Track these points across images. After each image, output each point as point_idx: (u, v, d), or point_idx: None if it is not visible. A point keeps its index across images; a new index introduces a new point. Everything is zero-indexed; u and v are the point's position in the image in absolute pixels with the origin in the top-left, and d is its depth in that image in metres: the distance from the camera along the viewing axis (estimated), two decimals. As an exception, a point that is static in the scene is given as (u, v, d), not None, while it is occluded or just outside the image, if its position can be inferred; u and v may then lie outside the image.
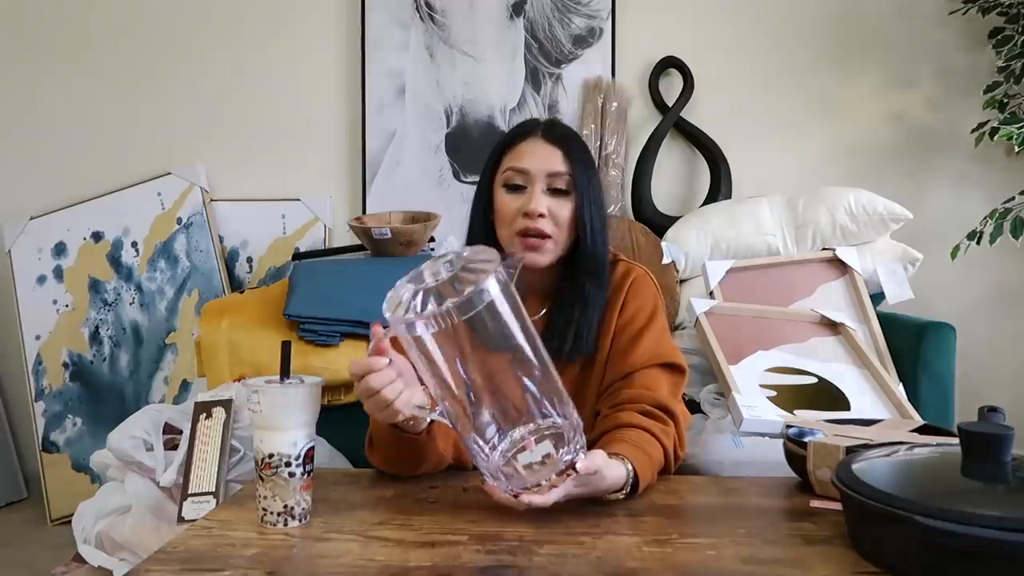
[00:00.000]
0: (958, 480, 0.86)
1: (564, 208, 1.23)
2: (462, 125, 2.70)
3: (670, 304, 2.26)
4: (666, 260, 2.30)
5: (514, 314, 0.92)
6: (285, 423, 0.92)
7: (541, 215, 1.22)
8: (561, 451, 0.93)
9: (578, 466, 0.93)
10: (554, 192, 1.23)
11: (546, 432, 0.93)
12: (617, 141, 2.62)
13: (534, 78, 2.69)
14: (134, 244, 2.74)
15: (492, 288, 0.90)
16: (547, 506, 0.94)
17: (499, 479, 0.94)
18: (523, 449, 0.92)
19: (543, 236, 1.22)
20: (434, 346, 0.90)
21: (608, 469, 0.99)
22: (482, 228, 1.29)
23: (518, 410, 0.92)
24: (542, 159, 1.24)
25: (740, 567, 0.82)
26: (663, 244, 2.33)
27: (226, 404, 1.71)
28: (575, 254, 1.26)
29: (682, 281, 2.35)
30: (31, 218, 2.79)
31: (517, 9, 2.69)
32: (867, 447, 1.01)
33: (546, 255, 1.24)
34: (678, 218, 2.45)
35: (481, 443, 0.93)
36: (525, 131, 1.28)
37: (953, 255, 2.29)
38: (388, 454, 1.14)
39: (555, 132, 1.27)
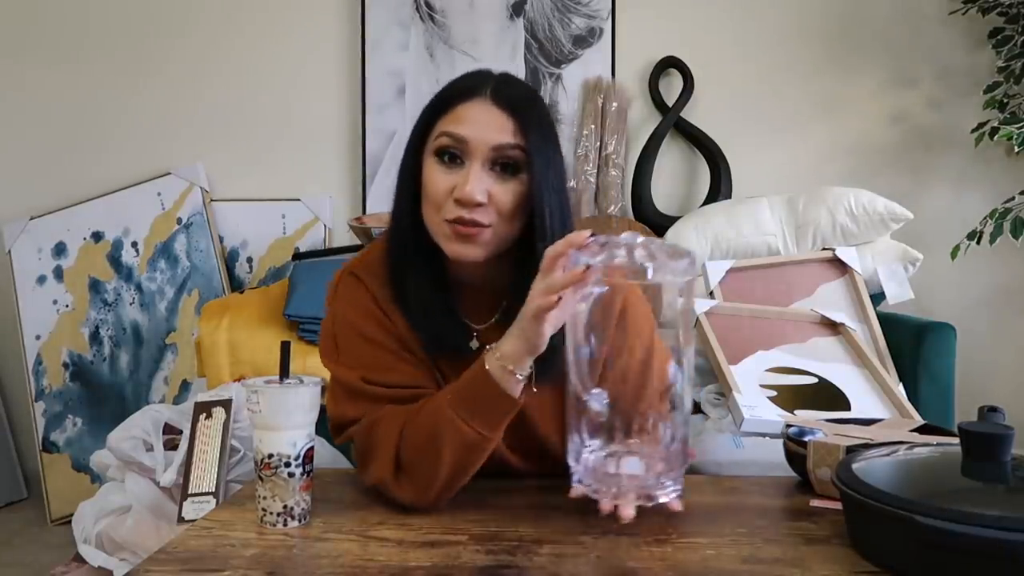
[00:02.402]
0: (958, 480, 0.86)
1: (509, 192, 0.97)
2: (462, 125, 2.70)
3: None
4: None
5: (684, 315, 0.87)
6: (284, 423, 0.92)
7: (479, 204, 0.95)
8: (651, 477, 0.90)
9: (676, 505, 0.90)
10: (501, 168, 0.97)
11: (652, 454, 0.90)
12: (617, 141, 2.62)
13: (534, 78, 2.69)
14: (134, 244, 2.75)
15: (686, 276, 0.86)
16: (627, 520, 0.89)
17: (585, 473, 0.90)
18: (619, 457, 0.90)
19: (478, 225, 0.97)
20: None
21: None
22: (408, 210, 1.02)
23: (640, 413, 0.89)
24: (487, 126, 0.96)
25: (740, 567, 0.82)
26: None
27: (226, 404, 1.71)
28: (525, 250, 0.99)
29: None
30: (31, 218, 2.79)
31: (517, 9, 2.69)
32: (867, 447, 1.00)
33: (479, 248, 0.98)
34: (678, 218, 2.45)
35: (584, 433, 0.90)
36: (469, 89, 0.99)
37: (953, 255, 2.29)
38: (452, 459, 0.93)
39: (509, 93, 0.99)
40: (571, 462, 0.91)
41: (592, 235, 0.86)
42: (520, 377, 0.91)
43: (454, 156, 0.97)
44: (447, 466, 0.93)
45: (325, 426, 1.06)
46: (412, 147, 1.02)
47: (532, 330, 0.89)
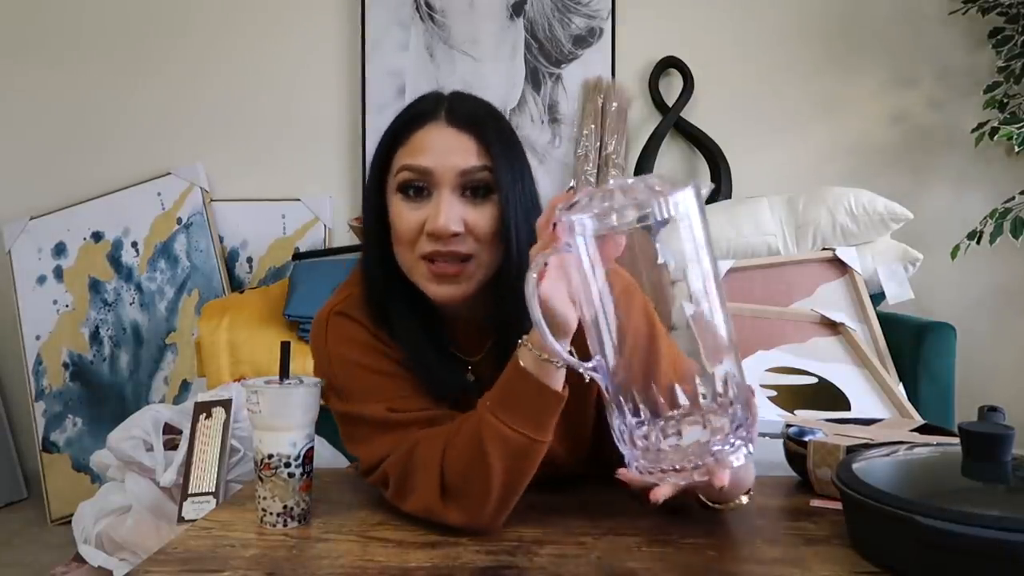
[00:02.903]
0: (958, 480, 0.86)
1: (485, 216, 0.91)
2: (462, 125, 2.70)
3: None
4: (660, 259, 2.29)
5: (706, 244, 0.77)
6: (284, 424, 0.92)
7: (455, 234, 0.89)
8: (717, 440, 0.78)
9: (719, 479, 0.76)
10: (472, 193, 0.91)
11: (707, 414, 0.78)
12: (617, 141, 2.62)
13: (534, 78, 2.69)
14: (134, 244, 2.75)
15: (687, 201, 0.74)
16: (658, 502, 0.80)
17: (635, 452, 0.79)
18: (673, 431, 0.79)
19: (462, 259, 0.91)
20: (597, 261, 0.75)
21: (744, 471, 0.86)
22: (377, 250, 0.96)
23: (680, 376, 0.78)
24: (448, 152, 0.91)
25: (740, 567, 0.82)
26: (656, 244, 2.32)
27: (226, 404, 1.71)
28: (503, 273, 0.93)
29: (675, 281, 2.35)
30: (31, 218, 2.79)
31: (517, 9, 2.69)
32: (867, 447, 1.00)
33: (462, 286, 0.92)
34: (678, 218, 2.45)
35: (625, 408, 0.79)
36: (423, 114, 0.94)
37: (953, 255, 2.29)
38: (504, 465, 0.85)
39: (464, 113, 0.94)
40: (620, 445, 0.81)
41: (571, 187, 0.81)
42: (559, 366, 0.84)
43: (420, 189, 0.91)
44: (498, 477, 0.86)
45: (325, 426, 1.05)
46: (373, 185, 0.96)
47: (540, 309, 0.80)
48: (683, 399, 0.78)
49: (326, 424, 1.05)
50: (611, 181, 0.76)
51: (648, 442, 0.79)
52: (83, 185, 2.80)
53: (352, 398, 0.97)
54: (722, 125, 2.62)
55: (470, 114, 0.94)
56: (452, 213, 0.89)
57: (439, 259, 0.91)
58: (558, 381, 0.85)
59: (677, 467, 0.78)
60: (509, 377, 0.86)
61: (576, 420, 1.01)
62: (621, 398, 0.79)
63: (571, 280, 0.78)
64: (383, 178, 0.96)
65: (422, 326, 0.97)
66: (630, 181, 0.76)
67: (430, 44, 2.71)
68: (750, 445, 0.78)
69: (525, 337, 0.86)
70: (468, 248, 0.91)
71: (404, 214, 0.92)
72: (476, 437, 0.86)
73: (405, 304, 0.97)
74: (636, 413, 0.79)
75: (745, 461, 0.78)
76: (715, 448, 0.77)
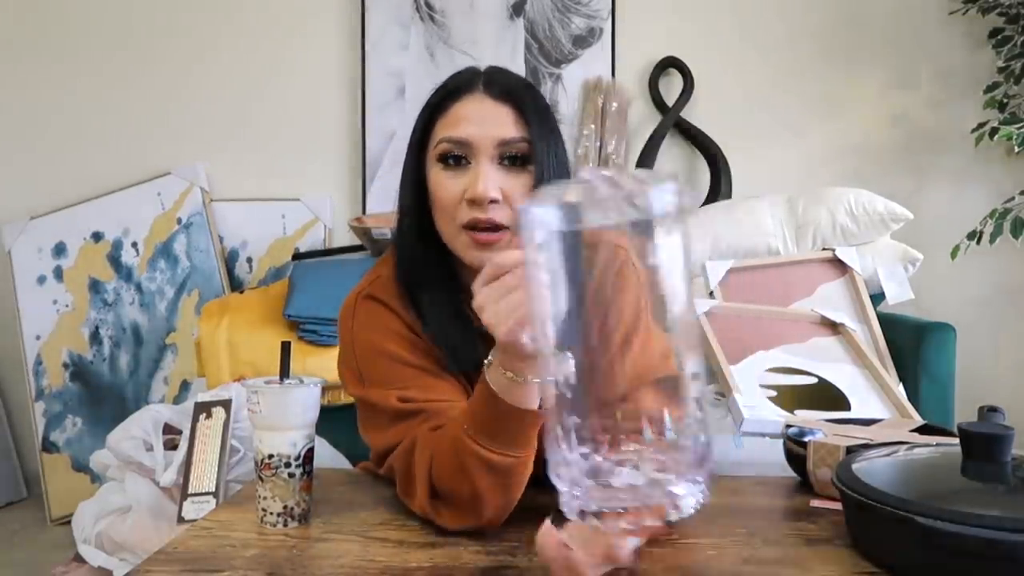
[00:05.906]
0: (958, 480, 0.86)
1: (521, 184, 0.93)
2: (462, 125, 2.70)
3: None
4: (652, 260, 2.29)
5: (684, 259, 0.66)
6: (285, 424, 0.92)
7: (493, 200, 0.92)
8: (673, 480, 0.64)
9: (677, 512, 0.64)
10: (510, 162, 0.94)
11: (663, 451, 0.64)
12: (617, 141, 2.62)
13: (534, 78, 2.69)
14: (134, 244, 2.74)
15: (675, 197, 0.63)
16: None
17: (579, 488, 0.65)
18: (622, 464, 0.65)
19: (498, 228, 0.93)
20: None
21: None
22: (415, 220, 0.99)
23: (618, 401, 0.66)
24: (487, 123, 0.94)
25: (740, 567, 0.82)
26: (651, 242, 2.32)
27: (226, 404, 1.71)
28: None
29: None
30: (31, 218, 2.79)
31: (517, 9, 2.69)
32: (867, 447, 1.00)
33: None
34: (678, 218, 2.45)
35: (571, 437, 0.65)
36: (461, 87, 0.97)
37: (953, 255, 2.29)
38: (489, 474, 0.83)
39: (501, 84, 0.97)
40: (556, 480, 0.66)
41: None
42: (531, 382, 0.80)
43: (459, 158, 0.94)
44: (486, 493, 0.85)
45: (325, 426, 1.05)
46: (412, 156, 0.99)
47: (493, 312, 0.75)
48: (655, 423, 0.65)
49: (326, 424, 1.06)
50: (581, 174, 0.67)
51: (598, 474, 0.64)
52: (83, 185, 2.80)
53: (370, 384, 0.98)
54: (722, 125, 2.62)
55: (507, 86, 0.97)
56: (491, 180, 0.92)
57: (479, 227, 0.92)
58: (530, 398, 0.82)
59: (628, 507, 0.64)
60: (481, 398, 0.83)
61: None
62: (576, 416, 0.65)
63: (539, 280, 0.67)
64: (421, 153, 0.98)
65: (451, 303, 0.98)
66: (608, 173, 0.66)
67: (430, 44, 2.71)
68: (704, 492, 0.64)
69: (491, 357, 0.83)
70: (503, 218, 0.92)
71: (444, 183, 0.94)
72: (456, 456, 0.85)
73: (436, 280, 0.98)
74: (589, 439, 0.65)
75: (693, 511, 0.64)
76: (671, 488, 0.63)
